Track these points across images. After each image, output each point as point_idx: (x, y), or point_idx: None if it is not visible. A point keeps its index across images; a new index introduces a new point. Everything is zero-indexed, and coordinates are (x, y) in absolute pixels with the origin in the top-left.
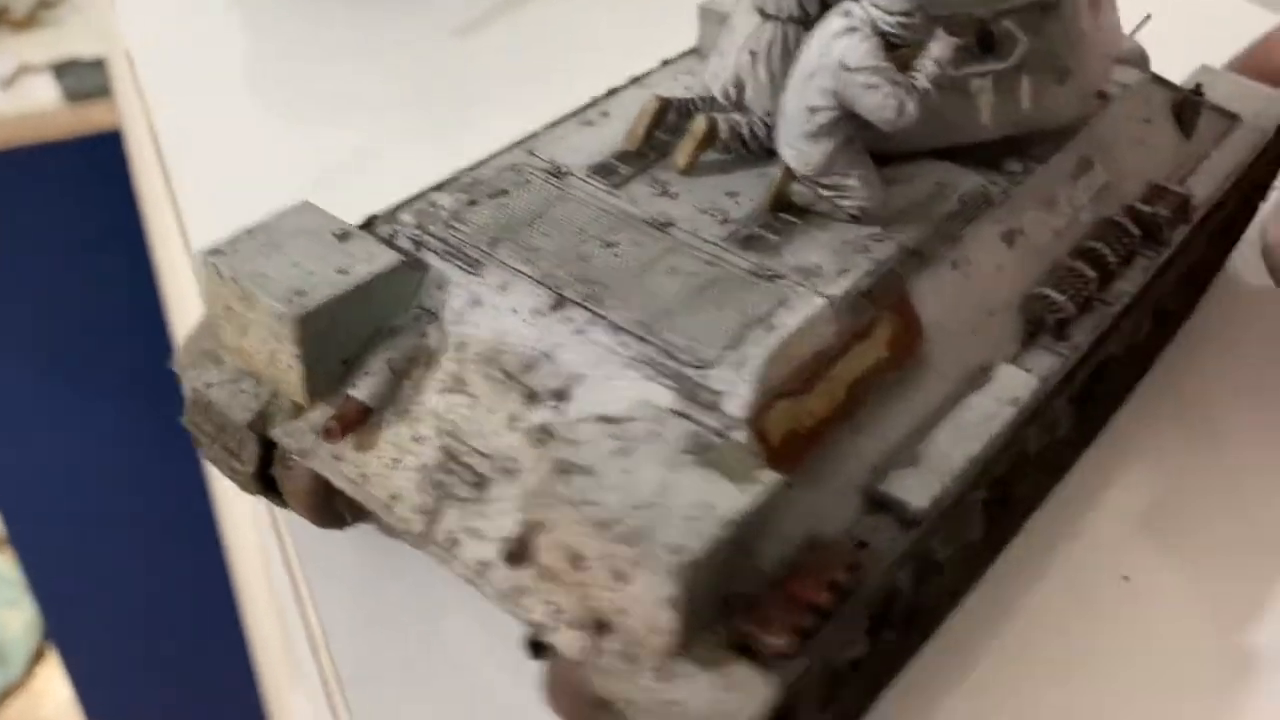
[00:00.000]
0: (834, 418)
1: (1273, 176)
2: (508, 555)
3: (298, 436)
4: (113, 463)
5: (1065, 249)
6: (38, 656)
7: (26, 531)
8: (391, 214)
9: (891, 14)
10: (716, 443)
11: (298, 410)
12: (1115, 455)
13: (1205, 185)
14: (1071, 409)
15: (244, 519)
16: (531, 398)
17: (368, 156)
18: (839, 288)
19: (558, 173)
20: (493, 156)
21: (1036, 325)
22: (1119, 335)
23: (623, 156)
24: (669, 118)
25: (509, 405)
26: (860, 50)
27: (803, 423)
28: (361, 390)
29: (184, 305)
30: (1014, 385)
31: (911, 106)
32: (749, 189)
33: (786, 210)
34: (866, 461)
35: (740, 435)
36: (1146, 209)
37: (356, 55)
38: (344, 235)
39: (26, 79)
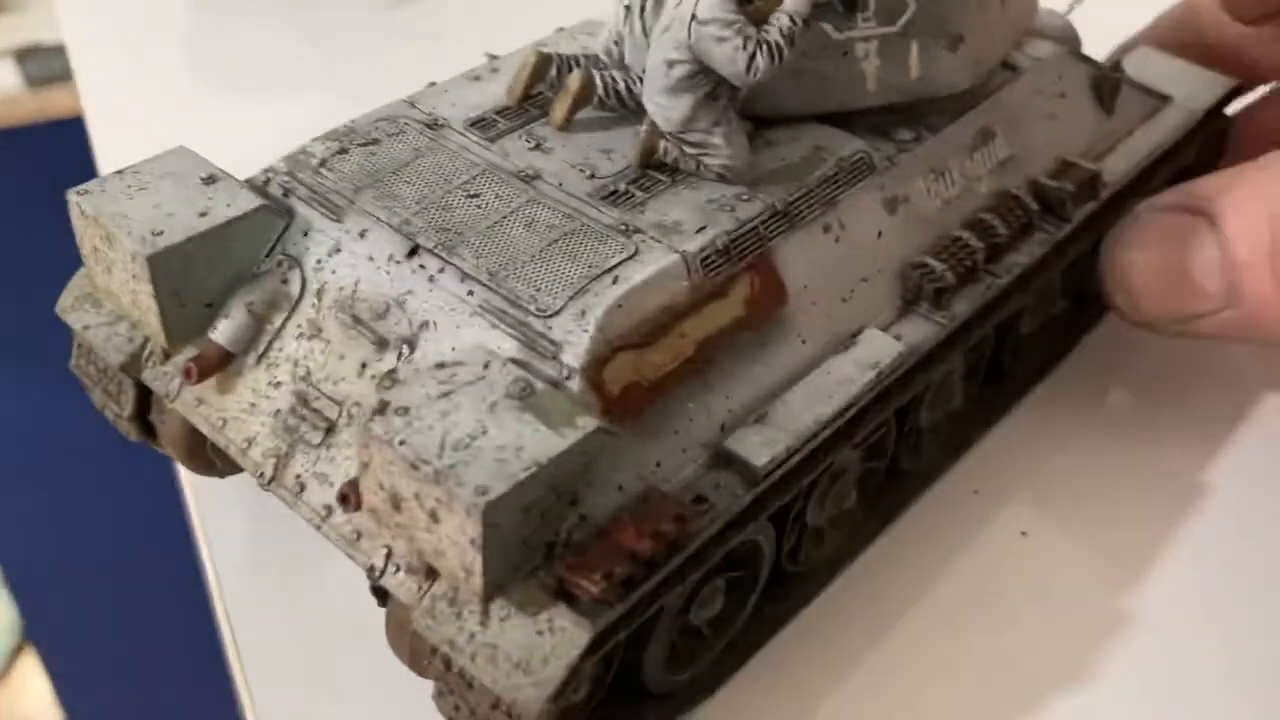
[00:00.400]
0: (681, 373)
1: (1211, 161)
2: (340, 496)
3: (164, 380)
4: (86, 456)
5: (957, 220)
6: (17, 652)
7: (3, 529)
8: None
9: None
10: (541, 389)
11: (167, 354)
12: (1025, 427)
13: (1120, 163)
14: (970, 385)
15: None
16: (381, 344)
17: (300, 130)
18: (695, 244)
19: (434, 124)
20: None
21: (914, 293)
22: (1019, 309)
23: (503, 111)
24: (550, 74)
25: (360, 352)
26: (710, 1)
27: (645, 375)
28: (220, 333)
29: None
30: (877, 350)
31: (761, 61)
32: (624, 146)
33: (657, 168)
34: (716, 419)
35: (574, 384)
36: (1051, 184)
37: (290, 31)
38: (211, 179)
39: None
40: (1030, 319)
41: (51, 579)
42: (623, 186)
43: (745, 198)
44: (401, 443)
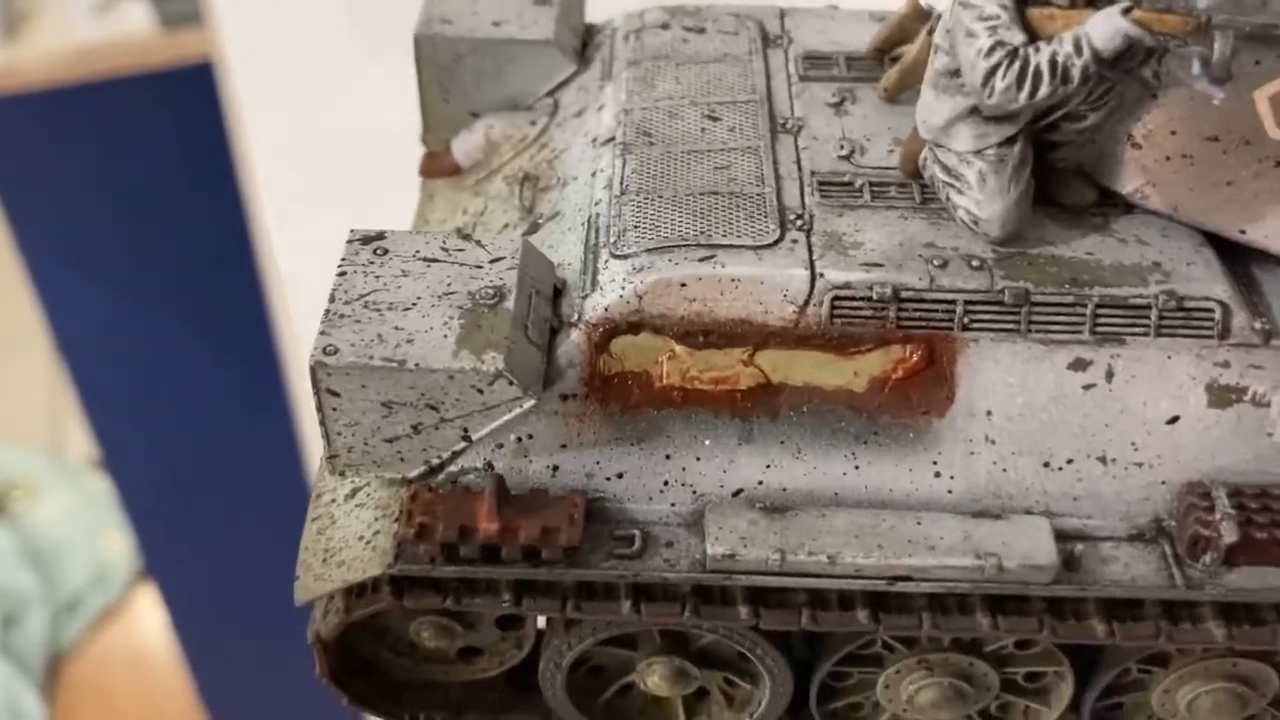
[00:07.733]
0: (719, 401)
1: None
2: None
3: None
4: (202, 391)
5: None
6: (136, 580)
7: (120, 458)
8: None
9: None
10: (493, 311)
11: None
12: None
13: None
14: None
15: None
16: (526, 214)
17: None
18: (842, 276)
19: (770, 40)
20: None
21: (1160, 525)
22: None
23: (856, 59)
24: (923, 31)
25: (509, 215)
26: None
27: (666, 373)
28: (457, 145)
29: (271, 238)
30: (1024, 542)
31: (1002, 82)
32: None
33: (918, 179)
34: (735, 479)
35: (573, 335)
36: None
37: None
38: (544, 2)
39: (121, 5)
40: None
41: (171, 513)
42: (858, 182)
43: (975, 264)
44: (342, 273)
